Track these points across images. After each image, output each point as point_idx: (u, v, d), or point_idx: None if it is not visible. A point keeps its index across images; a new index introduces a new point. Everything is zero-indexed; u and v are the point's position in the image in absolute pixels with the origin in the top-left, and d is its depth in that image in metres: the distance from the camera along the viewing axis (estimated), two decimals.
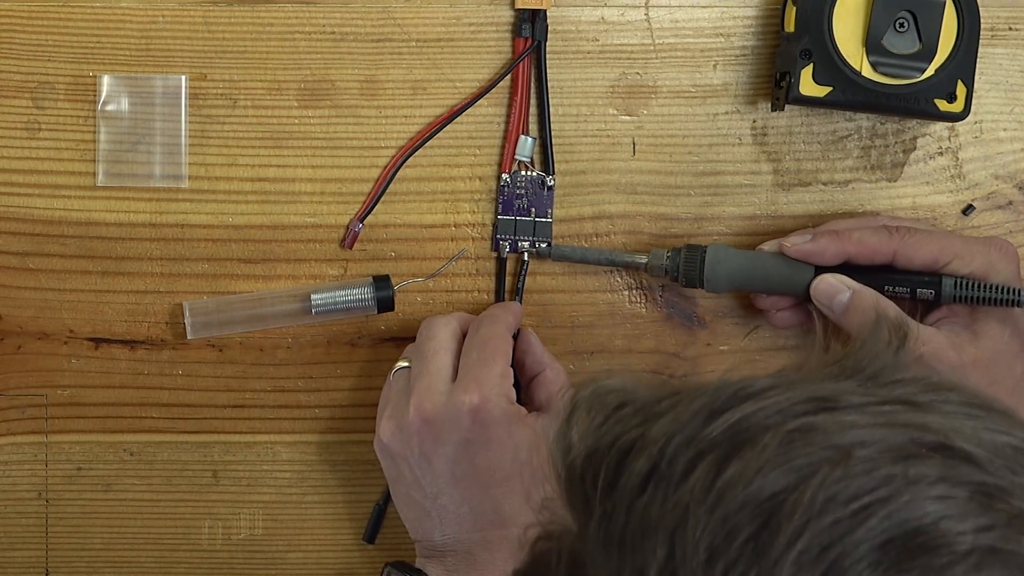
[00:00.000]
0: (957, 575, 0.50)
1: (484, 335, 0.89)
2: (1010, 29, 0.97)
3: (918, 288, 0.91)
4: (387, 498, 0.97)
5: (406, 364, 0.91)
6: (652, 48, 0.96)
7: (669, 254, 0.93)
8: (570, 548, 0.56)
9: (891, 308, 0.89)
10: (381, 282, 0.94)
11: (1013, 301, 0.89)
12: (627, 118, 0.96)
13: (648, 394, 0.57)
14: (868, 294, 0.90)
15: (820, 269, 0.91)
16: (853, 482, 0.51)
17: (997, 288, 0.89)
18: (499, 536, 0.88)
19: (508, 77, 0.94)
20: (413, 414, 0.87)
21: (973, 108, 0.93)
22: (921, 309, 0.92)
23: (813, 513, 0.51)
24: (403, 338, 0.95)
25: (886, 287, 0.91)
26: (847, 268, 0.91)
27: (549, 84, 0.95)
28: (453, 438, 0.87)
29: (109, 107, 0.94)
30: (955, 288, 0.90)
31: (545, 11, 0.94)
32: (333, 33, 0.94)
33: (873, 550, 0.50)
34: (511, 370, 0.89)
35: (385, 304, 0.94)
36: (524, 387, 0.93)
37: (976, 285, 0.90)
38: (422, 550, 0.90)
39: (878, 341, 0.59)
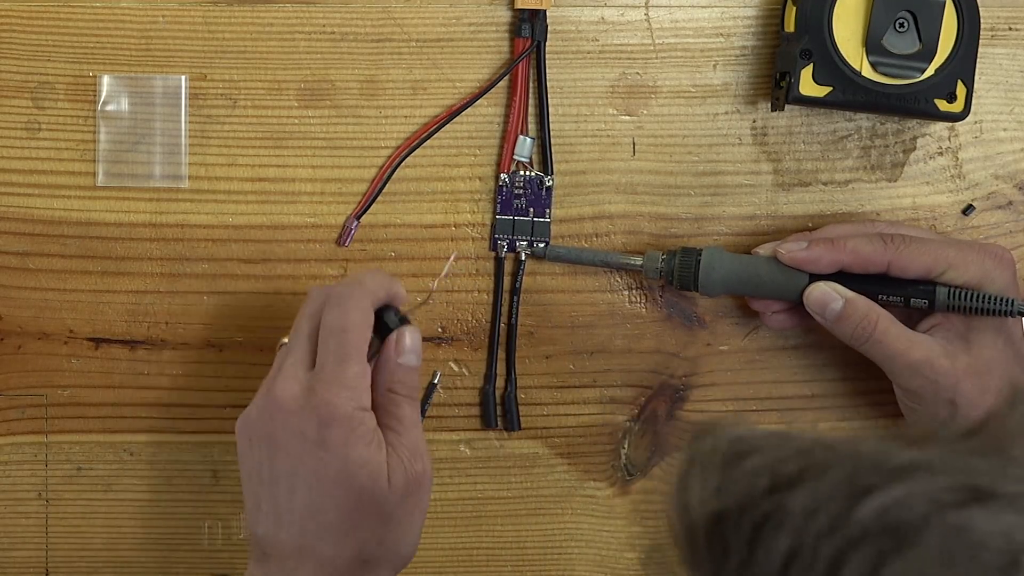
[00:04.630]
0: None
1: (341, 323, 0.83)
2: (1010, 29, 0.97)
3: (912, 297, 0.91)
4: None
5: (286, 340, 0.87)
6: (652, 48, 0.96)
7: (664, 257, 0.94)
8: None
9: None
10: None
11: (1006, 311, 0.90)
12: (627, 118, 0.96)
13: (769, 445, 0.55)
14: (862, 303, 0.90)
15: (815, 276, 0.91)
16: None
17: (990, 299, 0.90)
18: (311, 549, 0.83)
19: (507, 77, 0.95)
20: (268, 398, 0.83)
21: (973, 108, 0.93)
22: (915, 316, 0.92)
23: None
24: None
25: (880, 295, 0.91)
26: (841, 276, 0.91)
27: (549, 84, 0.95)
28: (296, 431, 0.82)
29: (109, 107, 0.94)
30: (949, 298, 0.90)
31: (545, 11, 0.94)
32: (333, 33, 0.95)
33: None
34: (367, 368, 0.84)
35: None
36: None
37: (970, 295, 0.90)
38: (251, 547, 0.86)
39: (1017, 419, 0.57)
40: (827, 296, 0.91)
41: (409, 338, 0.85)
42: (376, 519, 0.83)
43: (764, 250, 0.93)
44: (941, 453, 0.55)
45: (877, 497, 0.52)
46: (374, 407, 0.85)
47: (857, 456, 0.54)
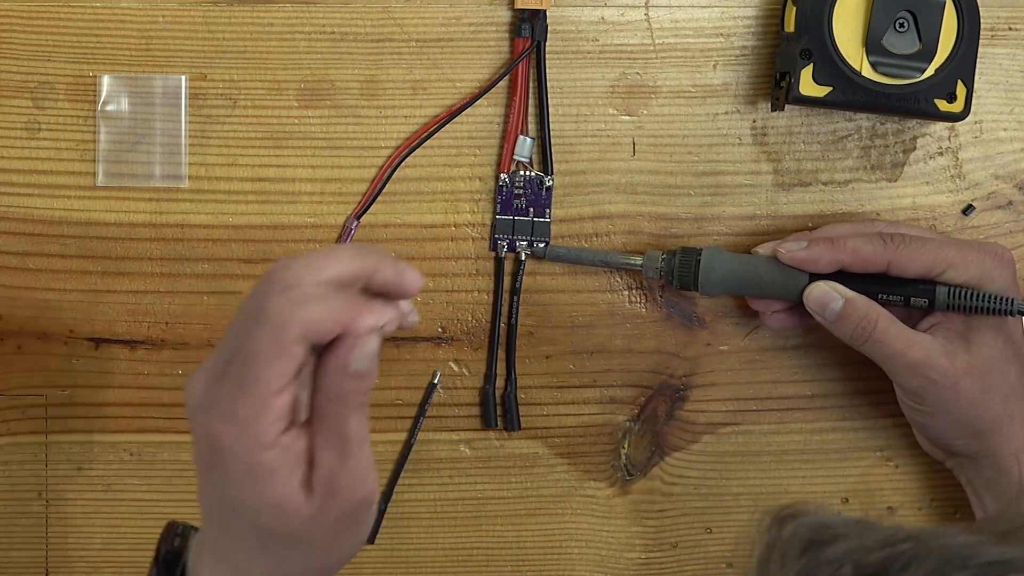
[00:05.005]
0: None
1: (249, 347, 0.69)
2: (1010, 29, 0.97)
3: (912, 296, 0.91)
4: (387, 498, 0.97)
5: None
6: (652, 48, 0.96)
7: (664, 257, 0.94)
8: None
9: None
10: None
11: (1006, 311, 0.90)
12: (627, 118, 0.96)
13: (851, 533, 0.53)
14: (861, 302, 0.90)
15: (815, 275, 0.91)
16: None
17: (990, 298, 0.90)
18: (225, 553, 0.73)
19: (507, 77, 0.95)
20: (187, 382, 0.72)
21: (973, 108, 0.93)
22: (915, 315, 0.92)
23: None
24: (403, 337, 0.95)
25: (880, 295, 0.91)
26: (841, 275, 0.91)
27: (549, 84, 0.95)
28: (195, 439, 0.72)
29: (109, 107, 0.94)
30: (949, 297, 0.90)
31: (545, 11, 0.94)
32: (333, 33, 0.95)
33: None
34: (275, 403, 0.68)
35: None
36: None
37: (969, 295, 0.90)
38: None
39: None
40: (827, 296, 0.91)
41: (365, 344, 0.70)
42: (295, 546, 0.71)
43: (764, 250, 0.93)
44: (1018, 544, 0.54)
45: None
46: (315, 415, 0.70)
47: (944, 550, 0.52)
